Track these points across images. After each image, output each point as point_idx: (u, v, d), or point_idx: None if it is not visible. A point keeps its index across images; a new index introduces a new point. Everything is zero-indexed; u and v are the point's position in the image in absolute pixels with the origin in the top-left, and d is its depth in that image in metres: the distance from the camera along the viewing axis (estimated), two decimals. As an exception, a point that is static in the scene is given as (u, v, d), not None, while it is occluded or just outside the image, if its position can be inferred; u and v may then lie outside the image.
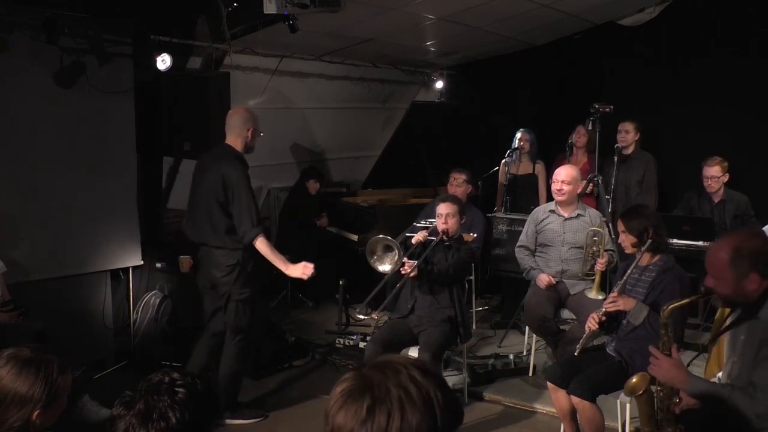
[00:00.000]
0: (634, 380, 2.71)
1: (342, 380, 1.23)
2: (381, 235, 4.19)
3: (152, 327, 5.01)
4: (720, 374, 2.82)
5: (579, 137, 5.88)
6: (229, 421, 4.13)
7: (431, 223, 4.38)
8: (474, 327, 5.64)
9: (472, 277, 5.63)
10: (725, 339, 2.70)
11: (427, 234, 4.25)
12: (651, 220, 3.52)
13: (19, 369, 1.98)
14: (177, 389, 1.62)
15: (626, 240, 3.57)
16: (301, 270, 3.98)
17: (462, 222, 4.31)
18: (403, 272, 4.09)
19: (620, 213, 3.87)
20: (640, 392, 2.67)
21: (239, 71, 5.59)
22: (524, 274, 4.72)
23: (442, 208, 4.23)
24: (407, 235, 4.32)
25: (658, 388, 2.65)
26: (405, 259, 4.11)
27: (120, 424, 1.58)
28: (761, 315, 2.43)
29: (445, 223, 4.21)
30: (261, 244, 3.91)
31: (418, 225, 4.46)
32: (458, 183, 5.59)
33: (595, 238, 4.46)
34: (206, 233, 4.00)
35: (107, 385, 4.49)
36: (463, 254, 4.24)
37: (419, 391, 1.17)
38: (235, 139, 4.00)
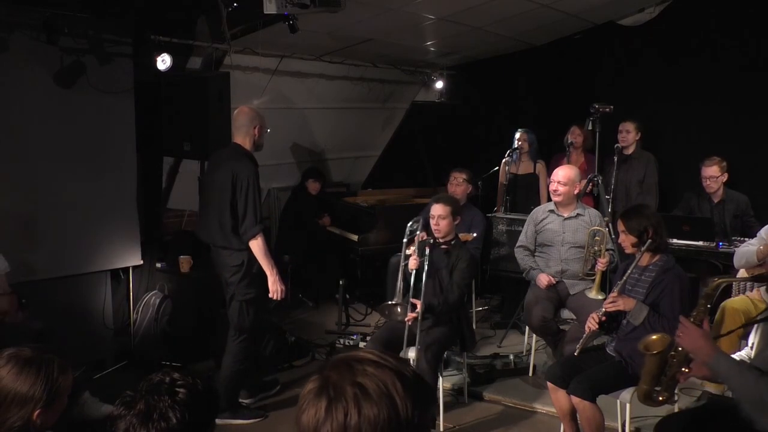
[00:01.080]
0: (654, 337, 2.69)
1: (308, 382, 1.27)
2: (387, 303, 4.18)
3: (152, 327, 5.01)
4: (742, 352, 2.80)
5: (575, 137, 5.87)
6: (229, 421, 4.13)
7: (419, 223, 4.37)
8: (474, 327, 5.64)
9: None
10: (760, 331, 2.66)
11: (417, 259, 4.13)
12: (651, 220, 3.52)
13: (19, 369, 1.98)
14: (177, 389, 1.62)
15: (626, 240, 3.57)
16: (277, 287, 4.05)
17: (456, 223, 4.30)
18: (408, 321, 4.04)
19: (620, 213, 3.87)
20: (655, 352, 2.66)
21: (239, 71, 5.59)
22: (524, 275, 4.73)
23: (435, 210, 4.22)
24: (403, 264, 4.26)
25: (673, 353, 2.63)
26: (408, 314, 4.04)
27: (120, 424, 1.58)
28: None
29: (437, 224, 4.20)
30: (257, 243, 3.95)
31: (407, 239, 4.45)
32: (458, 182, 5.59)
33: (597, 238, 4.46)
34: (214, 233, 4.04)
35: (107, 385, 4.49)
36: (464, 267, 4.19)
37: (375, 385, 1.20)
38: (243, 138, 4.06)
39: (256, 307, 4.13)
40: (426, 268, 4.05)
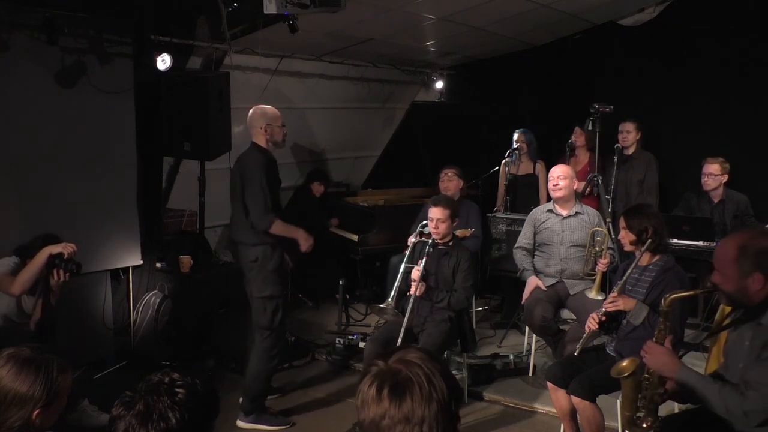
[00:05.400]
0: (624, 363, 2.72)
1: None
2: (378, 306, 4.29)
3: (152, 327, 5.01)
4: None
5: (577, 137, 5.88)
6: (254, 426, 4.09)
7: (424, 228, 4.43)
8: (474, 327, 5.64)
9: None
10: (725, 342, 2.69)
11: (422, 285, 4.16)
12: (652, 221, 3.51)
13: (19, 368, 1.98)
14: (177, 390, 1.62)
15: (625, 237, 3.57)
16: (308, 242, 4.16)
17: (455, 224, 4.32)
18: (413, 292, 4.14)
19: (624, 210, 3.88)
20: (627, 374, 2.68)
21: (239, 71, 5.59)
22: (518, 274, 4.76)
23: (434, 213, 4.23)
24: (405, 265, 4.31)
25: (647, 376, 2.65)
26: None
27: (120, 425, 1.58)
28: (764, 321, 2.42)
29: (436, 227, 4.22)
30: (277, 229, 3.97)
31: (412, 239, 4.50)
32: (449, 177, 5.58)
33: (598, 239, 4.47)
34: (235, 230, 4.15)
35: (107, 385, 4.49)
36: (466, 268, 4.22)
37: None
38: (256, 137, 4.11)
39: (276, 305, 4.09)
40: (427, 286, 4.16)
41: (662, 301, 2.66)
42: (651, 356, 2.55)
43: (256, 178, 3.94)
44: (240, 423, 4.08)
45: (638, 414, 2.69)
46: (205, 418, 1.67)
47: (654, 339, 2.62)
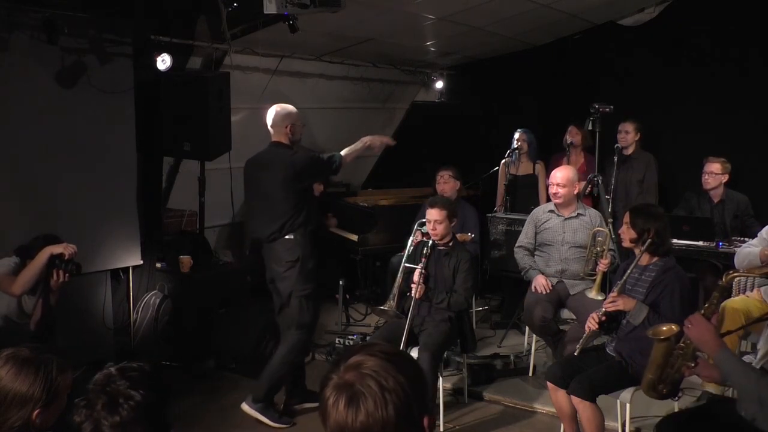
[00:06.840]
0: (663, 327, 2.70)
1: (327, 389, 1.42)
2: (379, 308, 4.32)
3: (152, 327, 5.01)
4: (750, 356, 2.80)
5: (573, 136, 5.87)
6: (257, 415, 4.08)
7: (422, 227, 4.44)
8: (474, 327, 5.64)
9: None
10: (766, 334, 2.67)
11: (422, 287, 4.17)
12: (656, 223, 3.50)
13: (18, 368, 1.98)
14: (129, 373, 1.73)
15: (626, 233, 3.57)
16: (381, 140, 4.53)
17: (452, 225, 4.32)
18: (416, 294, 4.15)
19: (632, 206, 3.86)
20: (662, 338, 2.66)
21: (239, 71, 5.58)
22: (522, 274, 4.74)
23: (431, 214, 4.22)
24: (405, 264, 4.33)
25: (681, 345, 2.63)
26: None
27: (86, 427, 1.62)
28: None
29: (434, 229, 4.21)
30: (347, 158, 4.19)
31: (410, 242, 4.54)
32: (445, 179, 5.59)
33: (599, 239, 4.47)
34: (267, 228, 4.11)
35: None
36: (467, 269, 4.22)
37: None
38: (279, 136, 4.16)
39: (314, 301, 4.20)
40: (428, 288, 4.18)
41: (724, 277, 2.60)
42: (695, 329, 2.48)
43: (312, 155, 4.12)
44: (245, 406, 4.10)
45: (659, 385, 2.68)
46: (163, 390, 1.78)
47: (702, 312, 2.55)
